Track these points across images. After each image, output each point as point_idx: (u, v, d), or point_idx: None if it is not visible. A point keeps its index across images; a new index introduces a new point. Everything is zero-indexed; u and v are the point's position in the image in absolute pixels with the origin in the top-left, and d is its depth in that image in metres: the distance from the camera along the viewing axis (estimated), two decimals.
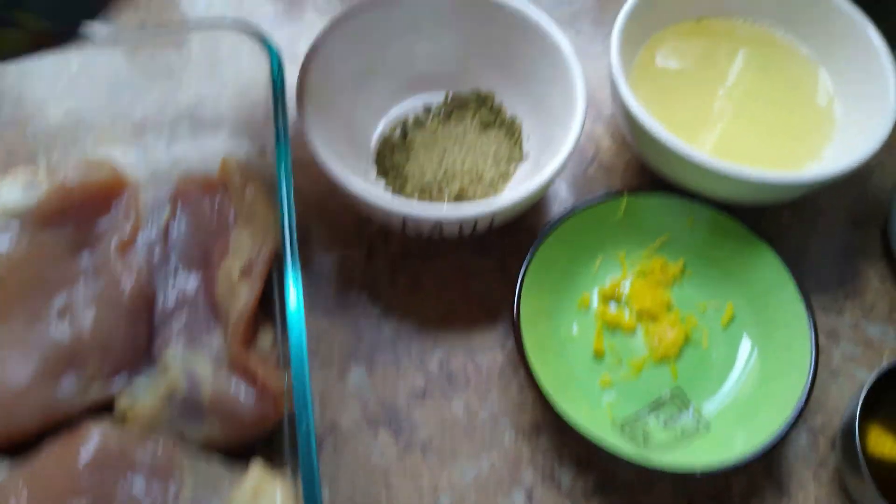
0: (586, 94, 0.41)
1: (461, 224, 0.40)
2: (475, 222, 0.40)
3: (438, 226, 0.40)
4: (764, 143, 0.44)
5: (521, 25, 0.45)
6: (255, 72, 0.43)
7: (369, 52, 0.47)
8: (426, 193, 0.45)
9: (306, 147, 0.41)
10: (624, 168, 0.48)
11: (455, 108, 0.49)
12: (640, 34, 0.46)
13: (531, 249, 0.41)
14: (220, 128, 0.47)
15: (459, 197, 0.45)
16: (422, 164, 0.47)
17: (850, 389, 0.42)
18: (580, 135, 0.40)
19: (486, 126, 0.48)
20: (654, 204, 0.43)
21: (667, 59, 0.47)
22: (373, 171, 0.47)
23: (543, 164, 0.41)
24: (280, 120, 0.38)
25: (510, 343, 0.43)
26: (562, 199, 0.47)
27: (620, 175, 0.48)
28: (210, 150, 0.47)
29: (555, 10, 0.55)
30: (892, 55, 0.43)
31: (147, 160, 0.47)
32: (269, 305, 0.40)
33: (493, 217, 0.39)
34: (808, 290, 0.40)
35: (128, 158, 0.46)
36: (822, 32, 0.46)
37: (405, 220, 0.39)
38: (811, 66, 0.47)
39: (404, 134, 0.49)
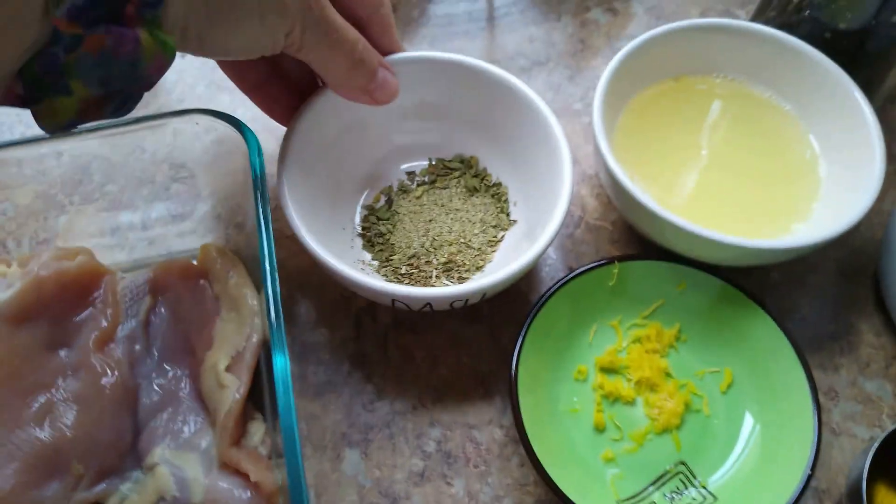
0: (572, 163, 0.41)
1: (452, 301, 0.39)
2: (466, 299, 0.39)
3: (428, 304, 0.39)
4: (751, 203, 0.44)
5: (502, 92, 0.45)
6: (233, 150, 0.42)
7: (351, 121, 0.46)
8: (414, 264, 0.44)
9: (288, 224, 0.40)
10: (611, 228, 0.48)
11: (439, 174, 0.49)
12: (620, 96, 0.46)
13: (525, 324, 0.40)
14: (199, 208, 0.46)
15: (448, 265, 0.44)
16: (408, 234, 0.46)
17: (851, 449, 0.41)
18: (568, 208, 0.40)
19: (471, 192, 0.48)
20: (645, 270, 0.43)
21: (649, 119, 0.47)
22: (358, 242, 0.46)
23: (533, 232, 0.41)
24: (261, 209, 0.37)
25: (507, 417, 0.42)
26: (550, 262, 0.47)
27: (608, 236, 0.48)
28: (189, 232, 0.46)
29: (532, 69, 0.55)
30: (872, 107, 0.43)
31: (123, 246, 0.45)
32: (257, 394, 0.39)
33: (484, 293, 0.39)
34: (804, 353, 0.40)
35: (103, 244, 0.45)
36: (803, 89, 0.46)
37: (394, 300, 0.39)
38: (793, 122, 0.47)
39: (389, 202, 0.48)
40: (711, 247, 0.39)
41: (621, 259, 0.43)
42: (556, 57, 0.56)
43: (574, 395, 0.41)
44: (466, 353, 0.43)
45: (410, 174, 0.49)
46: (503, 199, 0.47)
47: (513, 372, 0.39)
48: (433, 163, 0.49)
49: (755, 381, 0.41)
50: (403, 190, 0.48)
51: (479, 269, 0.44)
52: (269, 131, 0.51)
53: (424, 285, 0.43)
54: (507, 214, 0.47)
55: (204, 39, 0.32)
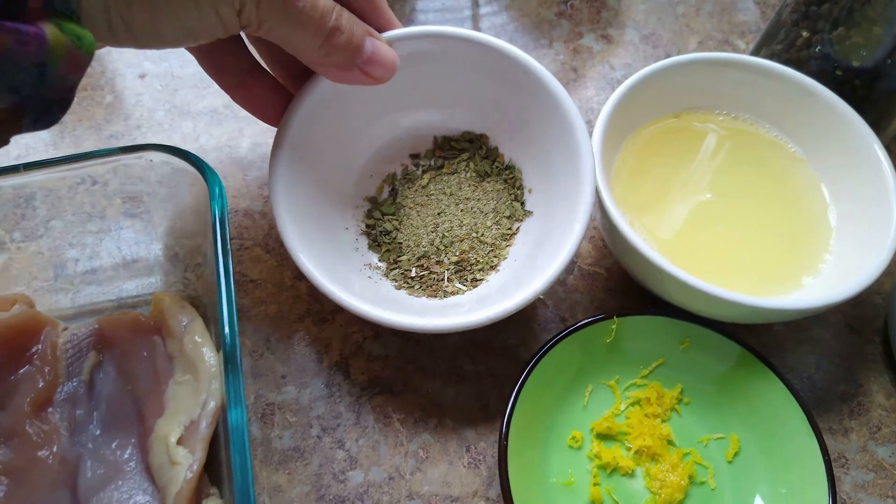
0: (594, 161, 0.38)
1: (479, 326, 0.36)
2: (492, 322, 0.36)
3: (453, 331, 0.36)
4: (758, 254, 0.41)
5: (513, 70, 0.40)
6: (192, 183, 0.38)
7: (348, 109, 0.42)
8: (424, 265, 0.41)
9: (259, 252, 0.36)
10: (606, 275, 0.45)
11: (446, 157, 0.45)
12: (619, 133, 0.43)
13: (516, 386, 0.36)
14: (153, 247, 0.41)
15: (460, 265, 0.41)
16: (416, 230, 0.42)
17: None
18: (589, 216, 0.37)
19: (482, 176, 0.44)
20: (645, 325, 0.39)
21: (648, 158, 0.44)
22: (363, 242, 0.42)
23: (549, 237, 0.39)
24: (221, 259, 0.33)
25: (494, 488, 0.38)
26: (541, 313, 0.43)
27: (603, 283, 0.44)
28: (142, 274, 0.41)
29: None
30: (885, 150, 0.41)
31: (68, 290, 0.41)
32: (215, 465, 0.34)
33: (510, 315, 0.36)
34: (815, 418, 0.37)
35: (45, 288, 0.40)
36: (812, 130, 0.43)
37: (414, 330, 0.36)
38: (802, 166, 0.44)
39: (393, 193, 0.44)
40: (719, 304, 0.36)
41: (619, 314, 0.39)
42: None
43: (568, 466, 0.37)
44: (450, 416, 0.39)
45: (415, 157, 0.45)
46: (517, 184, 0.43)
47: (503, 438, 0.35)
48: (438, 142, 0.45)
49: (763, 448, 0.38)
50: (408, 178, 0.44)
51: (493, 267, 0.41)
52: (236, 164, 0.47)
53: (436, 290, 0.40)
54: (522, 203, 0.43)
55: (132, 26, 0.27)
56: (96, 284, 0.41)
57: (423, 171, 0.45)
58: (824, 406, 0.41)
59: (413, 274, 0.41)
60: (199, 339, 0.35)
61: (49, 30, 0.24)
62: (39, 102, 0.25)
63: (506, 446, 0.35)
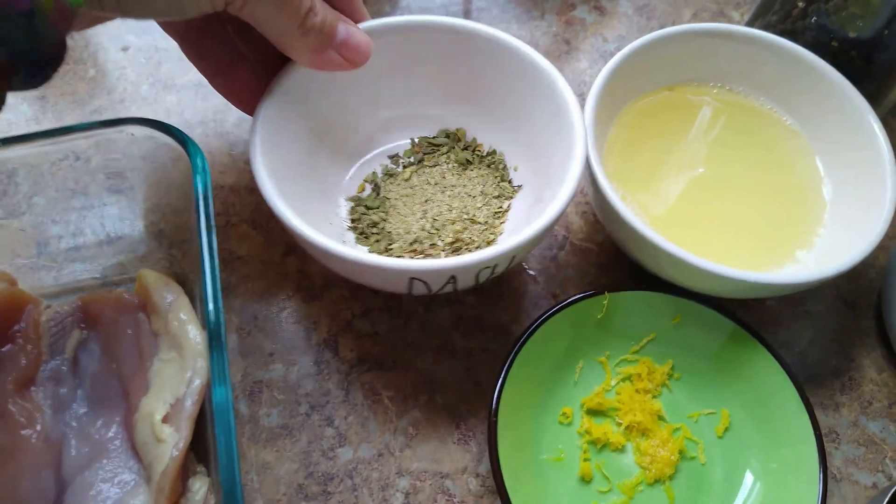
0: (578, 104, 0.37)
1: (479, 271, 0.34)
2: (494, 266, 0.34)
3: (453, 278, 0.34)
4: (752, 227, 0.40)
5: (483, 49, 0.40)
6: (177, 158, 0.37)
7: (321, 103, 0.41)
8: (417, 250, 0.40)
9: (246, 228, 0.35)
10: (598, 250, 0.44)
11: (425, 152, 0.44)
12: (612, 106, 0.42)
13: (506, 361, 0.36)
14: (138, 223, 0.41)
15: (456, 245, 0.40)
16: (405, 219, 0.41)
17: (853, 497, 0.38)
18: (586, 152, 0.36)
19: (464, 165, 0.43)
20: (636, 301, 0.39)
21: (642, 132, 0.43)
22: (350, 237, 0.41)
23: (545, 191, 0.37)
24: (205, 235, 0.32)
25: (484, 465, 0.37)
26: (532, 289, 0.43)
27: (595, 259, 0.44)
28: (126, 251, 0.41)
29: None
30: (881, 124, 0.40)
31: (51, 267, 0.40)
32: (201, 444, 0.34)
33: (513, 255, 0.34)
34: (806, 394, 0.37)
35: (27, 265, 0.40)
36: (807, 102, 0.43)
37: (413, 279, 0.33)
38: (796, 138, 0.43)
39: (376, 189, 0.43)
40: (711, 279, 0.35)
41: (611, 290, 0.39)
42: None
43: (558, 442, 0.37)
44: (440, 392, 0.39)
45: (393, 157, 0.44)
46: (501, 166, 0.43)
47: (492, 415, 0.35)
48: (416, 142, 0.44)
49: (754, 424, 0.38)
50: (389, 174, 0.43)
51: (489, 243, 0.40)
52: (221, 139, 0.47)
53: None
54: (510, 182, 0.42)
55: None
56: (80, 262, 0.40)
57: (404, 167, 0.44)
58: (817, 381, 0.41)
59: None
60: (185, 317, 0.35)
61: None
62: (30, 57, 0.25)
63: (495, 422, 0.35)
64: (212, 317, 0.31)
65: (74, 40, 0.51)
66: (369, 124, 0.44)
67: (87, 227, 0.41)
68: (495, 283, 0.42)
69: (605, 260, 0.44)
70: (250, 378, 0.39)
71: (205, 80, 0.38)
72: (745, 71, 0.44)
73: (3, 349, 0.35)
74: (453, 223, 0.41)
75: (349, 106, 0.42)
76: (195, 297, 0.37)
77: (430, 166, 0.44)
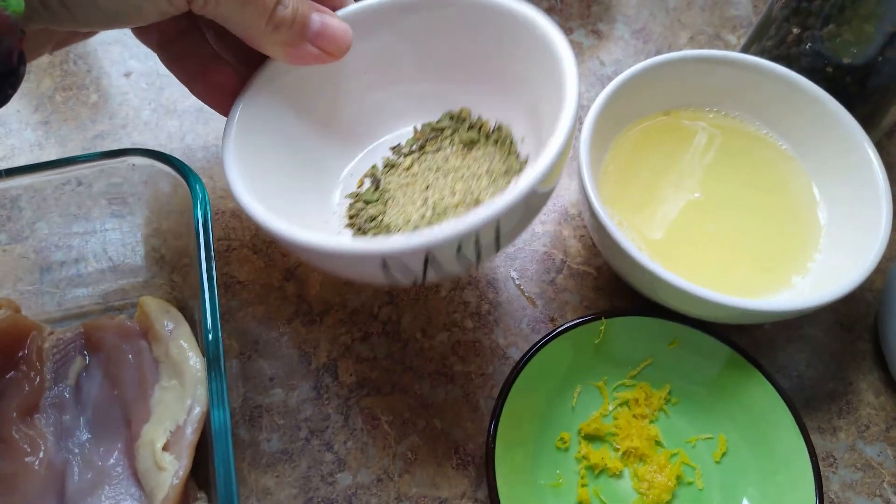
0: (574, 59, 0.34)
1: (459, 243, 0.29)
2: (476, 238, 0.30)
3: (429, 256, 0.30)
4: (748, 253, 0.41)
5: (477, 16, 0.37)
6: (177, 185, 0.37)
7: (310, 95, 0.39)
8: None
9: (247, 253, 0.35)
10: (596, 274, 0.44)
11: (428, 138, 0.42)
12: (608, 131, 0.43)
13: (504, 386, 0.36)
14: (139, 249, 0.41)
15: None
16: (404, 209, 0.38)
17: None
18: (577, 107, 0.32)
19: (470, 145, 0.40)
20: (633, 326, 0.39)
21: (638, 156, 0.43)
22: (347, 234, 0.39)
23: (541, 149, 0.33)
24: (204, 265, 0.33)
25: (483, 490, 0.38)
26: (529, 314, 0.43)
27: (592, 283, 0.44)
28: (129, 276, 0.41)
29: None
30: (875, 149, 0.40)
31: (54, 293, 0.40)
32: (202, 469, 0.34)
33: (497, 222, 0.29)
34: (802, 417, 0.37)
35: (30, 291, 0.40)
36: (802, 128, 0.43)
37: (385, 261, 0.30)
38: (792, 163, 0.44)
39: (376, 183, 0.41)
40: (707, 306, 0.36)
41: (608, 315, 0.39)
42: None
43: (556, 467, 0.37)
44: (439, 417, 0.39)
45: (395, 148, 0.42)
46: (508, 140, 0.40)
47: (489, 441, 0.35)
48: (419, 130, 0.42)
49: (751, 449, 0.38)
50: (390, 166, 0.41)
51: None
52: (221, 161, 0.47)
53: None
54: (518, 155, 0.39)
55: (67, 2, 0.26)
56: (82, 287, 0.41)
57: (405, 156, 0.41)
58: (814, 405, 0.41)
59: None
60: (185, 344, 0.35)
61: None
62: None
63: (493, 448, 0.35)
64: (211, 345, 0.32)
65: (77, 66, 0.51)
66: (363, 115, 0.42)
67: (89, 253, 0.41)
68: (493, 306, 0.43)
69: (603, 284, 0.44)
70: (250, 403, 0.39)
71: (205, 105, 0.38)
72: (741, 96, 0.44)
73: (7, 376, 0.36)
74: (456, 207, 0.37)
75: (337, 99, 0.40)
76: (196, 322, 0.38)
77: (432, 152, 0.41)
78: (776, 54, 0.45)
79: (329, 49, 0.33)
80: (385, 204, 0.39)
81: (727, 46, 0.55)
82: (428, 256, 0.30)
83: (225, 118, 0.36)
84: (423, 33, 0.39)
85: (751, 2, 0.57)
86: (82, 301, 0.41)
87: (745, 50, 0.48)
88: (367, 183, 0.41)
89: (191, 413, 0.34)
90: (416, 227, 0.37)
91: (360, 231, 0.38)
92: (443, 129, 0.42)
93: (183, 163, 0.36)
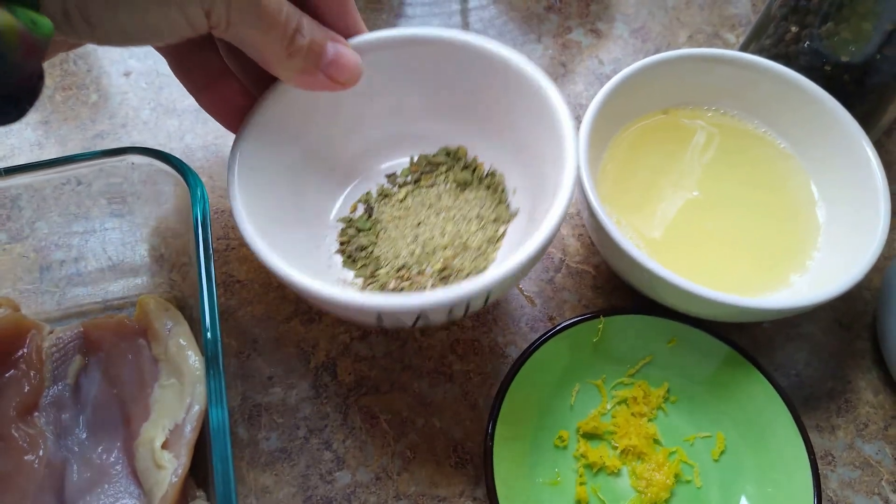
0: (574, 127, 0.35)
1: (451, 309, 0.32)
2: (467, 305, 0.32)
3: (421, 316, 0.32)
4: (746, 251, 0.41)
5: (485, 64, 0.38)
6: (176, 184, 0.37)
7: (315, 120, 0.40)
8: (404, 276, 0.38)
9: (246, 252, 0.35)
10: (594, 273, 0.44)
11: (423, 171, 0.42)
12: (606, 130, 0.43)
13: (503, 385, 0.37)
14: (139, 248, 0.41)
15: (444, 273, 0.38)
16: (394, 243, 0.40)
17: None
18: (574, 184, 0.33)
19: (463, 186, 0.41)
20: (632, 324, 0.39)
21: (636, 155, 0.43)
22: (337, 260, 0.40)
23: (535, 216, 0.35)
24: (203, 263, 0.33)
25: (481, 488, 0.38)
26: (528, 312, 0.43)
27: (591, 282, 0.44)
28: (128, 275, 0.41)
29: None
30: (874, 147, 0.40)
31: (53, 292, 0.41)
32: (201, 468, 0.34)
33: (487, 294, 0.32)
34: (801, 416, 0.37)
35: (30, 290, 0.40)
36: (801, 126, 0.43)
37: (380, 316, 0.32)
38: (790, 162, 0.44)
39: (369, 211, 0.41)
40: (706, 304, 0.36)
41: (607, 313, 0.39)
42: None
43: (554, 465, 0.37)
44: (437, 416, 0.39)
45: (391, 176, 0.43)
46: (500, 188, 0.41)
47: (488, 440, 0.35)
48: (415, 160, 0.43)
49: (750, 446, 0.38)
50: (384, 195, 0.42)
51: (481, 272, 0.38)
52: (222, 163, 0.47)
53: None
54: (507, 205, 0.40)
55: (91, 20, 0.26)
56: (82, 286, 0.41)
57: (400, 187, 0.42)
58: (812, 403, 0.41)
59: (392, 286, 0.38)
60: (184, 343, 0.35)
61: (1, 16, 0.23)
62: (2, 93, 0.25)
63: (491, 446, 0.35)
64: (210, 344, 0.32)
65: (77, 65, 0.51)
66: (363, 142, 0.42)
67: (88, 252, 0.41)
68: (492, 305, 0.43)
69: (602, 283, 0.44)
70: (249, 402, 0.39)
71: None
72: (739, 94, 0.44)
73: (6, 375, 0.36)
74: (444, 248, 0.39)
75: (340, 124, 0.41)
76: (195, 320, 0.38)
77: (426, 186, 0.42)
78: (775, 53, 0.45)
79: (340, 79, 0.34)
80: (377, 235, 0.40)
81: (726, 45, 0.55)
82: (420, 315, 0.32)
83: (225, 128, 0.37)
84: (430, 70, 0.40)
85: (749, 0, 0.57)
86: (82, 300, 0.41)
87: (744, 48, 0.48)
88: (361, 209, 0.42)
89: (190, 411, 0.34)
90: (404, 263, 0.38)
91: (350, 259, 0.40)
92: (438, 165, 0.42)
93: (182, 161, 0.36)
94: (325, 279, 0.37)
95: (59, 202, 0.41)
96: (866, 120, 0.43)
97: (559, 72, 0.53)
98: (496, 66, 0.38)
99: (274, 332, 0.41)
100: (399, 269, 0.39)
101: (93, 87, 0.50)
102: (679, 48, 0.48)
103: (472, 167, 0.42)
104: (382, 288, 0.38)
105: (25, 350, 0.36)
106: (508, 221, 0.40)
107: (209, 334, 0.31)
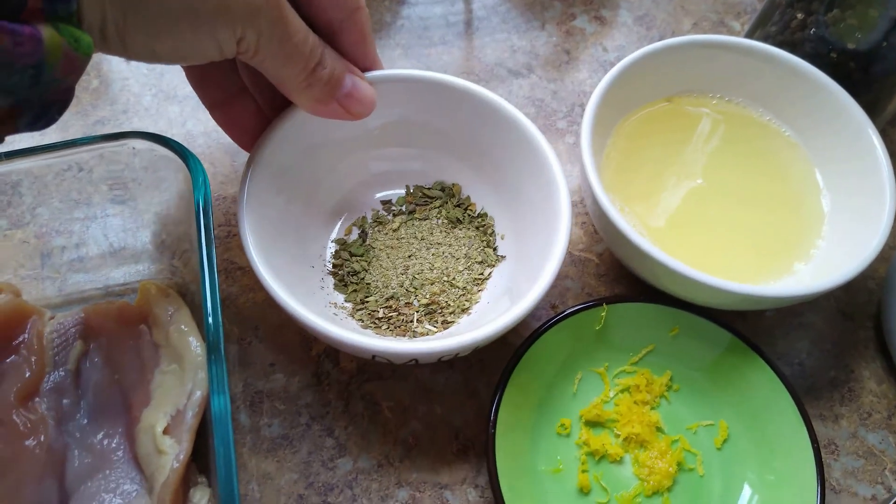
0: (570, 202, 0.37)
1: (441, 356, 0.35)
2: (456, 353, 0.35)
3: (414, 360, 0.35)
4: (750, 239, 0.40)
5: (490, 116, 0.40)
6: (178, 170, 0.37)
7: (322, 146, 0.41)
8: (392, 306, 0.40)
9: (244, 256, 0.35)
10: (597, 261, 0.44)
11: (418, 203, 0.44)
12: (610, 117, 0.42)
13: (504, 373, 0.36)
14: (140, 234, 0.41)
15: (430, 307, 0.40)
16: (386, 272, 0.41)
17: None
18: (564, 254, 0.35)
19: (454, 223, 0.43)
20: (635, 312, 0.39)
21: (640, 142, 0.43)
22: (329, 282, 0.41)
23: (524, 271, 0.37)
24: (204, 248, 0.33)
25: (483, 476, 0.38)
26: None
27: (594, 270, 0.44)
28: (129, 262, 0.41)
29: (513, 81, 0.51)
30: (880, 136, 0.40)
31: (55, 278, 0.40)
32: (203, 454, 0.34)
33: (477, 346, 0.34)
34: (804, 404, 0.37)
35: (31, 276, 0.40)
36: (806, 114, 0.43)
37: (374, 356, 0.34)
38: (795, 149, 0.43)
39: (363, 235, 0.43)
40: (709, 292, 0.36)
41: (609, 301, 0.39)
42: (538, 68, 0.52)
43: (557, 453, 0.37)
44: (439, 403, 0.39)
45: (386, 203, 0.44)
46: (489, 231, 0.43)
47: (490, 427, 0.35)
48: (411, 191, 0.44)
49: (752, 435, 0.38)
50: (379, 221, 0.43)
51: (464, 311, 0.40)
52: (224, 150, 0.47)
53: (404, 330, 0.39)
54: (495, 249, 0.42)
55: (126, 40, 0.27)
56: (83, 272, 0.41)
57: (395, 216, 0.44)
58: (815, 392, 0.41)
59: (381, 315, 0.39)
60: (185, 328, 0.35)
61: (46, 31, 0.24)
62: (36, 103, 0.25)
63: (493, 434, 0.35)
64: (211, 330, 0.32)
65: None
66: (364, 173, 0.44)
67: (90, 238, 0.41)
68: None
69: (605, 271, 0.44)
70: (251, 388, 0.39)
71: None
72: (744, 82, 0.44)
73: (7, 361, 0.36)
74: (432, 284, 0.41)
75: (344, 150, 0.42)
76: (197, 307, 0.38)
77: (420, 219, 0.43)
78: (780, 40, 0.45)
79: (353, 111, 0.36)
80: (369, 262, 0.42)
81: (731, 32, 0.54)
82: (414, 360, 0.34)
83: (237, 145, 0.39)
84: (436, 110, 0.41)
85: None
86: (83, 286, 0.41)
87: (749, 36, 0.48)
88: (355, 233, 0.43)
89: (191, 397, 0.34)
90: (393, 294, 0.40)
91: (342, 283, 0.41)
92: (433, 199, 0.44)
93: (183, 146, 0.35)
94: (317, 300, 0.39)
95: (61, 188, 0.40)
96: (872, 108, 0.43)
97: (563, 59, 0.52)
98: (501, 119, 0.40)
99: (276, 319, 0.41)
100: (388, 299, 0.40)
101: (94, 73, 0.50)
102: (684, 35, 0.48)
103: (464, 206, 0.44)
104: (371, 315, 0.40)
105: (26, 336, 0.36)
106: (494, 265, 0.42)
107: (210, 320, 0.31)
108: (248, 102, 0.38)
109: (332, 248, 0.42)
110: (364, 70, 0.37)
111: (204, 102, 0.39)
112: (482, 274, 0.41)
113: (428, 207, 0.44)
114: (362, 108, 0.36)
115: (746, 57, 0.43)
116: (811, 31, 0.43)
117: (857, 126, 0.40)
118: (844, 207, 0.41)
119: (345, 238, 0.43)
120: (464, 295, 0.40)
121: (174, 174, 0.38)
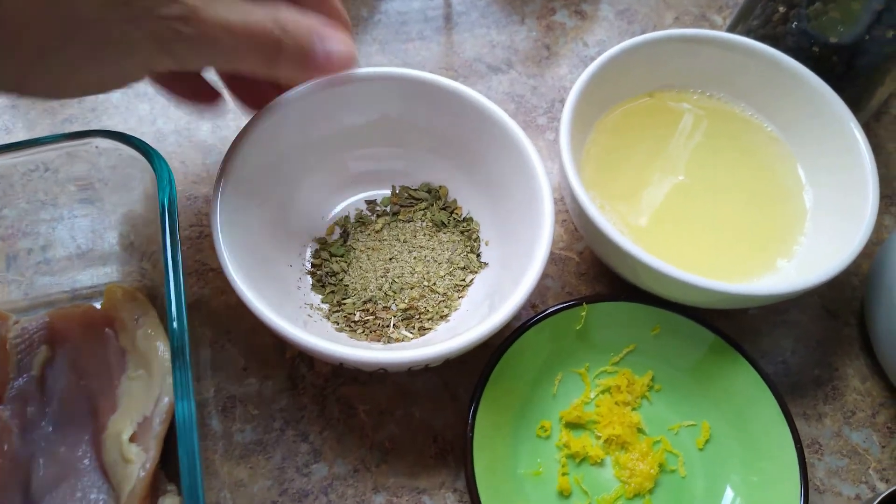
0: (553, 209, 0.36)
1: (410, 367, 0.34)
2: (426, 365, 0.34)
3: (383, 369, 0.34)
4: (733, 236, 0.40)
5: (477, 118, 0.39)
6: (145, 169, 0.36)
7: (305, 142, 0.40)
8: (369, 310, 0.39)
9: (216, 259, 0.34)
10: (578, 260, 0.44)
11: (403, 205, 0.43)
12: (591, 113, 0.42)
13: (482, 375, 0.36)
14: (108, 235, 0.40)
15: (408, 312, 0.39)
16: (365, 274, 0.40)
17: None
18: (545, 262, 0.34)
19: (438, 226, 0.42)
20: (615, 311, 0.38)
21: (621, 139, 0.42)
22: (307, 282, 0.40)
23: (505, 281, 0.36)
24: (169, 249, 0.32)
25: (462, 479, 0.37)
26: None
27: (575, 268, 0.43)
28: (97, 264, 0.40)
29: (492, 77, 0.50)
30: (863, 131, 0.39)
31: (20, 282, 0.39)
32: (173, 462, 0.33)
33: (447, 359, 0.33)
34: (787, 404, 0.36)
35: None
36: (788, 109, 0.42)
37: (342, 363, 0.33)
38: (777, 145, 0.43)
39: (345, 235, 0.42)
40: (691, 290, 0.35)
41: (590, 300, 0.38)
42: (518, 64, 0.51)
43: (537, 456, 0.37)
44: (417, 406, 0.38)
45: (371, 203, 0.43)
46: (474, 236, 0.42)
47: (468, 430, 0.35)
48: (397, 191, 0.43)
49: (735, 435, 0.37)
50: (362, 221, 0.42)
51: (443, 317, 0.39)
52: (195, 148, 0.46)
53: (379, 336, 0.38)
54: (478, 255, 0.41)
55: (14, 81, 0.26)
56: (50, 275, 0.40)
57: (378, 216, 0.43)
58: (799, 391, 0.41)
59: (357, 318, 0.39)
60: (152, 333, 0.34)
61: None
62: None
63: (471, 438, 0.34)
64: (176, 333, 0.31)
65: None
66: (348, 170, 0.43)
67: (56, 240, 0.40)
68: None
69: (586, 269, 0.43)
70: (224, 393, 0.38)
71: None
72: (726, 77, 0.43)
73: None
74: (412, 288, 0.40)
75: (325, 149, 0.41)
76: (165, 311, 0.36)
77: (403, 221, 0.42)
78: (762, 34, 0.44)
79: (335, 67, 0.33)
80: (349, 263, 0.41)
81: (713, 26, 0.54)
82: (382, 369, 0.33)
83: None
84: (418, 108, 0.40)
85: None
86: (50, 289, 0.40)
87: (731, 30, 0.47)
88: (337, 232, 0.42)
89: (158, 404, 0.33)
90: (371, 297, 0.39)
91: (320, 283, 0.40)
92: (418, 200, 0.43)
93: (147, 144, 0.34)
94: (292, 301, 0.38)
95: (27, 189, 0.39)
96: (855, 103, 0.42)
97: (543, 55, 0.51)
98: (490, 124, 0.38)
99: (249, 322, 0.40)
100: (366, 302, 0.39)
101: None
102: (665, 30, 0.47)
103: (450, 209, 0.43)
104: (347, 318, 0.39)
105: None
106: (477, 272, 0.41)
107: (175, 325, 0.30)
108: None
109: (312, 247, 0.41)
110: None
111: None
112: (464, 280, 0.40)
113: (413, 209, 0.43)
114: (341, 62, 0.33)
115: (728, 51, 0.42)
116: (793, 25, 0.42)
117: (839, 121, 0.40)
118: (827, 203, 0.40)
119: (326, 237, 0.42)
120: (444, 301, 0.39)
121: (141, 174, 0.37)
